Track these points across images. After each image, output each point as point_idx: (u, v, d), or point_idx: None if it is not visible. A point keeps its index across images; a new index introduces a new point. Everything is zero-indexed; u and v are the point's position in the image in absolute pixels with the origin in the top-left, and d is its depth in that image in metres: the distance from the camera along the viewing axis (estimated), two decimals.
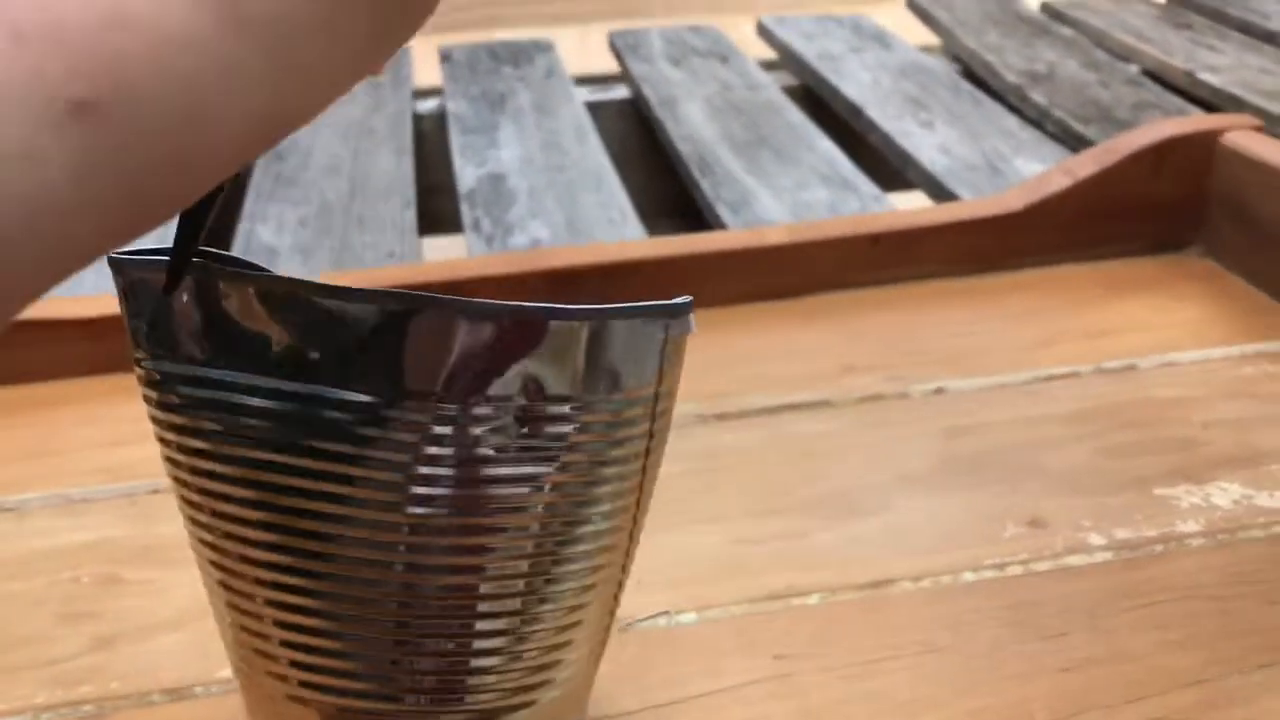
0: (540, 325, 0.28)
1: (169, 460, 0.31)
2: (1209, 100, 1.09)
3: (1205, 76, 1.12)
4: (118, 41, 0.17)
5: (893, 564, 0.46)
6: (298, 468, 0.28)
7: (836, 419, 0.56)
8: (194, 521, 0.31)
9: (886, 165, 1.03)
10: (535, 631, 0.31)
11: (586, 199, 0.91)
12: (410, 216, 0.89)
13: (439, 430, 0.28)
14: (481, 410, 0.28)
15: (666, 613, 0.43)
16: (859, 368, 0.60)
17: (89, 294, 0.63)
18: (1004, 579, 0.45)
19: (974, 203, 0.68)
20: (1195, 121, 0.70)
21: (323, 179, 0.96)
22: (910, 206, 0.96)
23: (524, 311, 0.28)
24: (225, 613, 0.32)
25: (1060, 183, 0.68)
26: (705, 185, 0.92)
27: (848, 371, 0.59)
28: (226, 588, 0.31)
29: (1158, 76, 1.17)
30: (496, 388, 0.28)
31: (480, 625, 0.30)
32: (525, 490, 0.29)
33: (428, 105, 1.17)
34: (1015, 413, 0.56)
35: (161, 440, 0.30)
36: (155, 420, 0.30)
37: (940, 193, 0.91)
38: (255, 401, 0.28)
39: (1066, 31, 1.30)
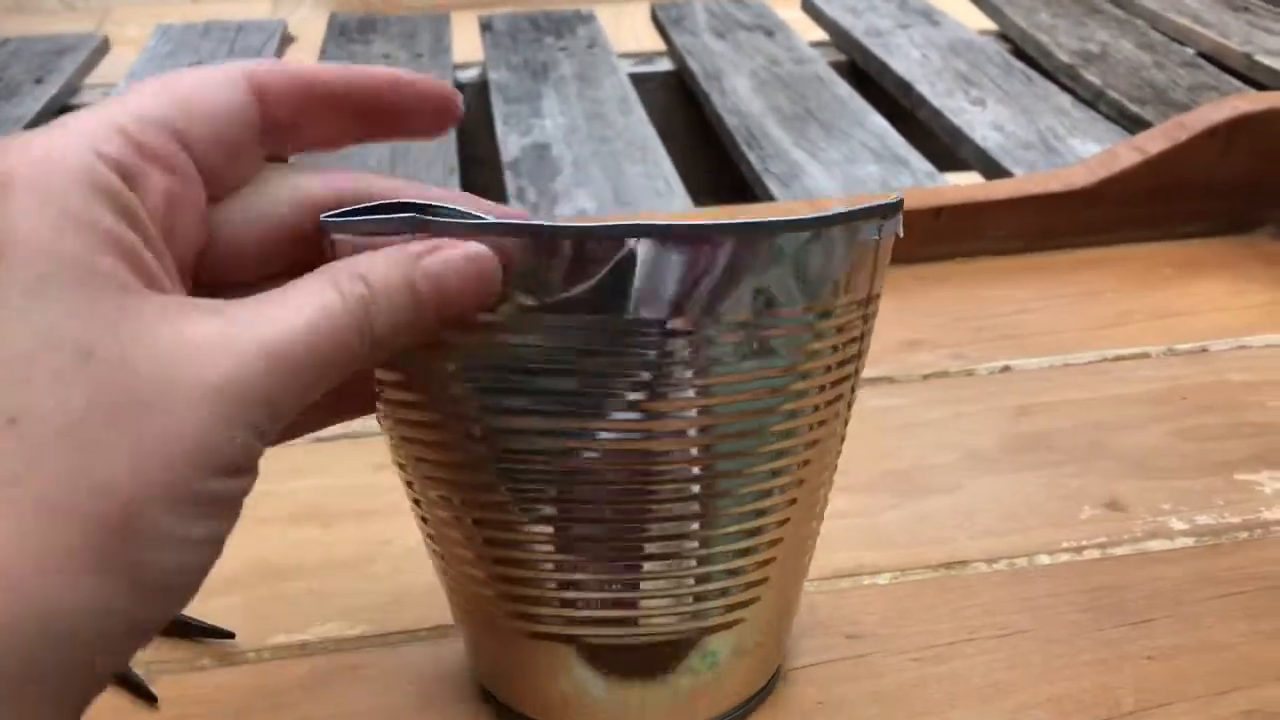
0: (767, 239, 0.28)
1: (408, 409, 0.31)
2: (1267, 83, 1.06)
3: (1264, 59, 1.09)
4: None
5: (965, 544, 0.44)
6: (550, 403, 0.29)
7: (901, 395, 0.54)
8: (435, 475, 0.32)
9: (936, 143, 1.01)
10: (756, 545, 0.32)
11: (632, 170, 0.89)
12: (454, 184, 0.88)
13: (682, 352, 0.28)
14: (717, 329, 0.28)
15: None
16: (923, 344, 0.58)
17: None
18: (1082, 562, 0.43)
19: (1040, 177, 0.66)
20: (1268, 98, 0.67)
21: (363, 147, 0.94)
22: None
23: (751, 227, 0.28)
24: (458, 560, 0.33)
25: (1130, 159, 0.65)
26: (753, 158, 0.91)
27: (912, 348, 0.58)
28: (471, 531, 0.32)
29: (1215, 59, 1.14)
30: (729, 306, 0.28)
31: (713, 539, 0.31)
32: (766, 404, 0.30)
33: (469, 73, 1.15)
34: (1085, 393, 0.54)
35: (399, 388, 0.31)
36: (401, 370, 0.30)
37: (995, 170, 0.89)
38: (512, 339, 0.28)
39: (1120, 13, 1.27)
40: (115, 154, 0.24)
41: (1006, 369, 0.56)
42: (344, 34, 1.22)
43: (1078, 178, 0.66)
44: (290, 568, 0.44)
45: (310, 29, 1.30)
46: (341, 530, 0.45)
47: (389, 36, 1.22)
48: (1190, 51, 1.16)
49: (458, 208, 0.29)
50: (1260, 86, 1.06)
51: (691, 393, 0.29)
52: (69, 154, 0.23)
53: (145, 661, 0.39)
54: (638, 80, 1.12)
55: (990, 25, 1.30)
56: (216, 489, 0.23)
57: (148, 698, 0.38)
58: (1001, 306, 0.61)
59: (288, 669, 0.39)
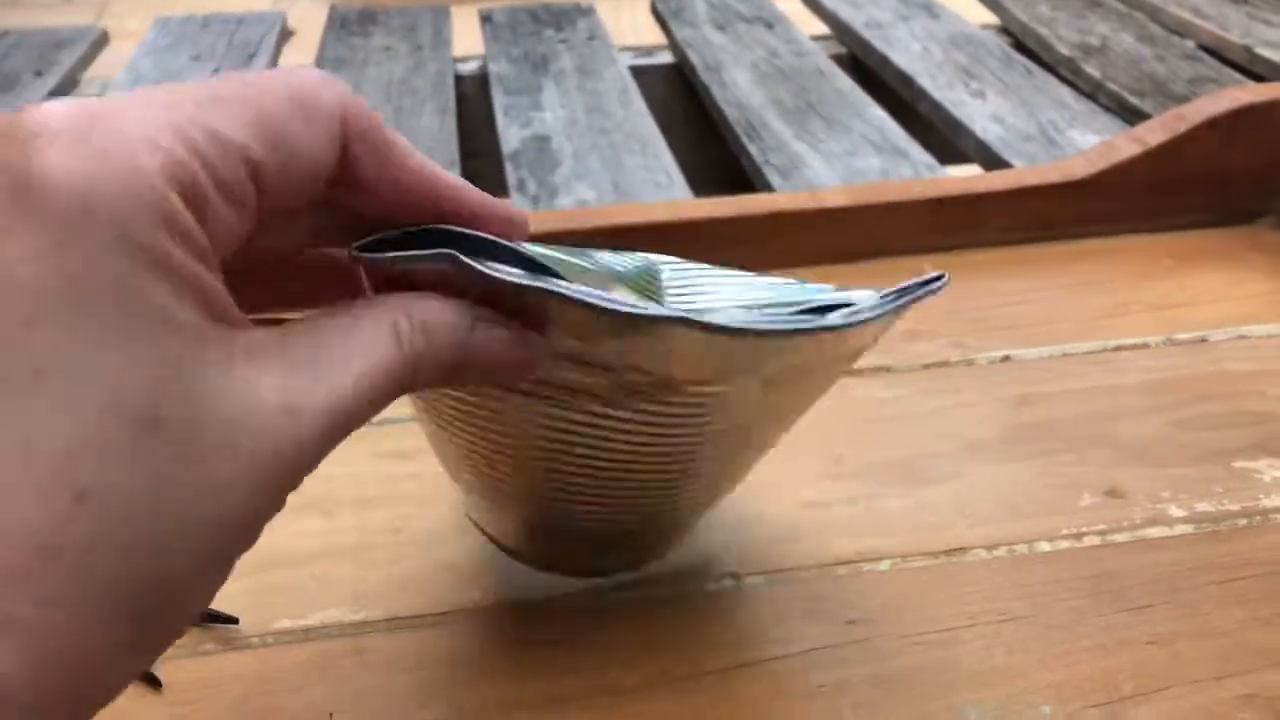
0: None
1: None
2: (1268, 76, 1.07)
3: (1264, 52, 1.09)
4: None
5: (965, 532, 0.44)
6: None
7: (901, 385, 0.54)
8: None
9: (937, 136, 1.01)
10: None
11: (632, 162, 0.89)
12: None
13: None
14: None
15: (735, 575, 0.42)
16: (922, 333, 0.58)
17: None
18: (1082, 549, 0.43)
19: (1040, 168, 0.66)
20: (1268, 89, 0.67)
21: None
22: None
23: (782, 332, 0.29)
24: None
25: (1130, 150, 0.66)
26: (753, 150, 0.91)
27: (911, 337, 0.58)
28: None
29: (1215, 51, 1.14)
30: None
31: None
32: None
33: (469, 66, 1.15)
34: (1085, 382, 0.54)
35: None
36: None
37: (995, 162, 0.89)
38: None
39: (1120, 6, 1.27)
40: (189, 180, 0.22)
41: (1006, 359, 0.56)
42: (344, 26, 1.22)
43: (1077, 169, 0.66)
44: (293, 554, 0.44)
45: (310, 21, 1.30)
46: (344, 518, 0.46)
47: (389, 29, 1.22)
48: (1190, 44, 1.16)
49: (496, 240, 0.28)
50: (1260, 79, 1.06)
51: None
52: (143, 174, 0.21)
53: None
54: (638, 73, 1.12)
55: (991, 18, 1.30)
56: (242, 553, 0.24)
57: (152, 682, 0.38)
58: (1001, 297, 0.61)
59: (291, 654, 0.39)
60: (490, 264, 0.26)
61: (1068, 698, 0.37)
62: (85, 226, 0.20)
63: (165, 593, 0.21)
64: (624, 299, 0.27)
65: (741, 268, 0.62)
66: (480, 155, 1.03)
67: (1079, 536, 0.44)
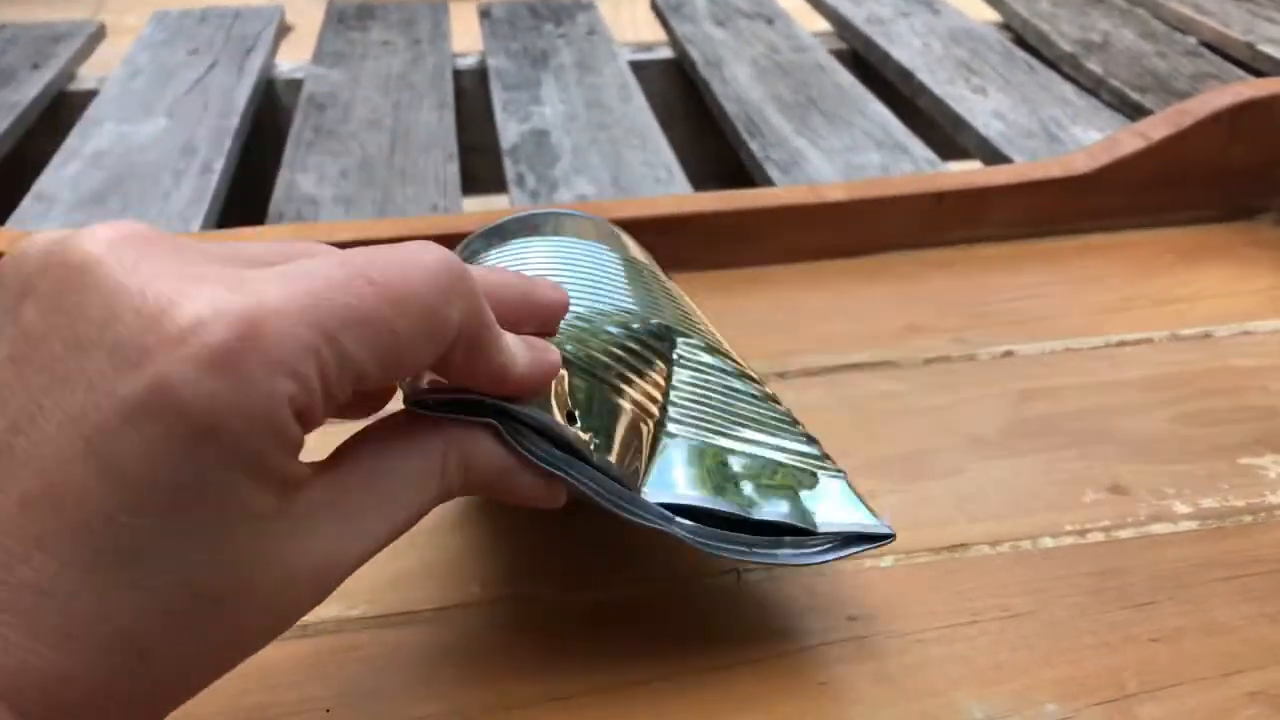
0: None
1: None
2: (1270, 72, 1.06)
3: (1266, 48, 1.09)
4: None
5: (967, 528, 0.44)
6: None
7: (902, 380, 0.54)
8: None
9: (938, 132, 1.00)
10: None
11: (632, 157, 0.89)
12: (453, 170, 0.87)
13: None
14: None
15: (736, 570, 0.42)
16: (924, 329, 0.58)
17: None
18: (1085, 545, 0.43)
19: (1042, 163, 0.66)
20: (1272, 84, 0.67)
21: (363, 131, 0.94)
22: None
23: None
24: None
25: (1132, 145, 0.65)
26: (754, 146, 0.90)
27: (912, 332, 0.57)
28: None
29: (1216, 48, 1.14)
30: None
31: None
32: None
33: (468, 61, 1.15)
34: (1088, 378, 0.54)
35: None
36: None
37: (996, 158, 0.89)
38: None
39: (1121, 2, 1.27)
40: (310, 404, 0.24)
41: (1009, 354, 0.56)
42: (342, 21, 1.22)
43: (1080, 164, 0.65)
44: None
45: (308, 16, 1.29)
46: None
47: (388, 24, 1.22)
48: (1192, 40, 1.16)
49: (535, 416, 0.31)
50: (1262, 75, 1.06)
51: None
52: (274, 401, 0.23)
53: None
54: (637, 68, 1.11)
55: (991, 13, 1.30)
56: None
57: None
58: (1003, 292, 0.61)
59: (289, 650, 0.39)
60: (525, 443, 0.30)
61: (1072, 695, 0.36)
62: (206, 446, 0.22)
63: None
64: (626, 498, 0.34)
65: (742, 265, 0.63)
66: (479, 150, 1.03)
67: (1083, 533, 0.44)
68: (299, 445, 0.24)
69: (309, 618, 0.39)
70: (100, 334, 0.22)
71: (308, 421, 0.24)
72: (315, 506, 0.25)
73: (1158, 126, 0.66)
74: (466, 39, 1.22)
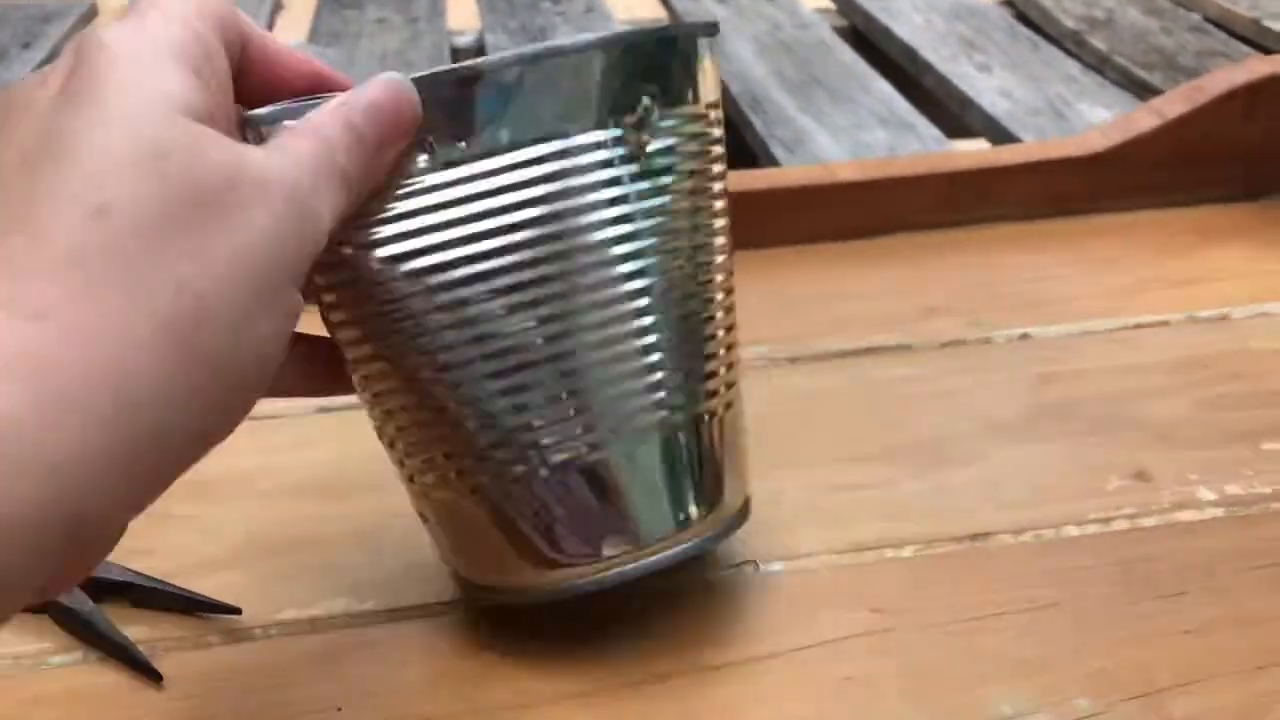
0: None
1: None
2: (1276, 48, 1.05)
3: (1272, 24, 1.07)
4: None
5: (989, 516, 0.43)
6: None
7: (918, 364, 0.53)
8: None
9: (942, 109, 0.99)
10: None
11: None
12: None
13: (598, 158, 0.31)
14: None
15: (753, 562, 0.41)
16: (939, 311, 0.57)
17: None
18: (1110, 534, 0.42)
19: (1056, 142, 0.65)
20: None
21: None
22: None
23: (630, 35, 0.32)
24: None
25: (1148, 123, 0.64)
26: (757, 123, 0.89)
27: (928, 315, 0.56)
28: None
29: (1221, 24, 1.13)
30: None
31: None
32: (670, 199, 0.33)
33: (465, 39, 1.13)
34: (1106, 361, 0.53)
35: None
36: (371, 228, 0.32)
37: (1003, 136, 0.87)
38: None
39: None
40: (199, 42, 0.27)
41: (1025, 336, 0.55)
42: (337, 0, 1.20)
43: (1095, 142, 0.64)
44: (296, 541, 0.42)
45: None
46: (348, 504, 0.44)
47: (382, 2, 1.20)
48: (1197, 16, 1.15)
49: None
50: (1269, 51, 1.05)
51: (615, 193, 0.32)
52: (167, 29, 0.27)
53: (149, 639, 0.38)
54: None
55: None
56: (279, 283, 0.27)
57: (152, 675, 0.36)
58: (1018, 273, 0.60)
59: (297, 645, 0.38)
60: None
61: (1104, 690, 0.35)
62: (106, 60, 0.26)
63: (197, 289, 0.25)
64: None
65: (754, 247, 0.61)
66: None
67: (1107, 520, 0.43)
68: (206, 76, 0.28)
69: (318, 611, 0.39)
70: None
71: (210, 58, 0.28)
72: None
73: (1174, 103, 0.65)
74: (464, 15, 1.20)
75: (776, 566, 0.41)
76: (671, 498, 0.35)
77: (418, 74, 0.30)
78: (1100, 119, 0.87)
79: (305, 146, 0.28)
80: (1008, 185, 0.63)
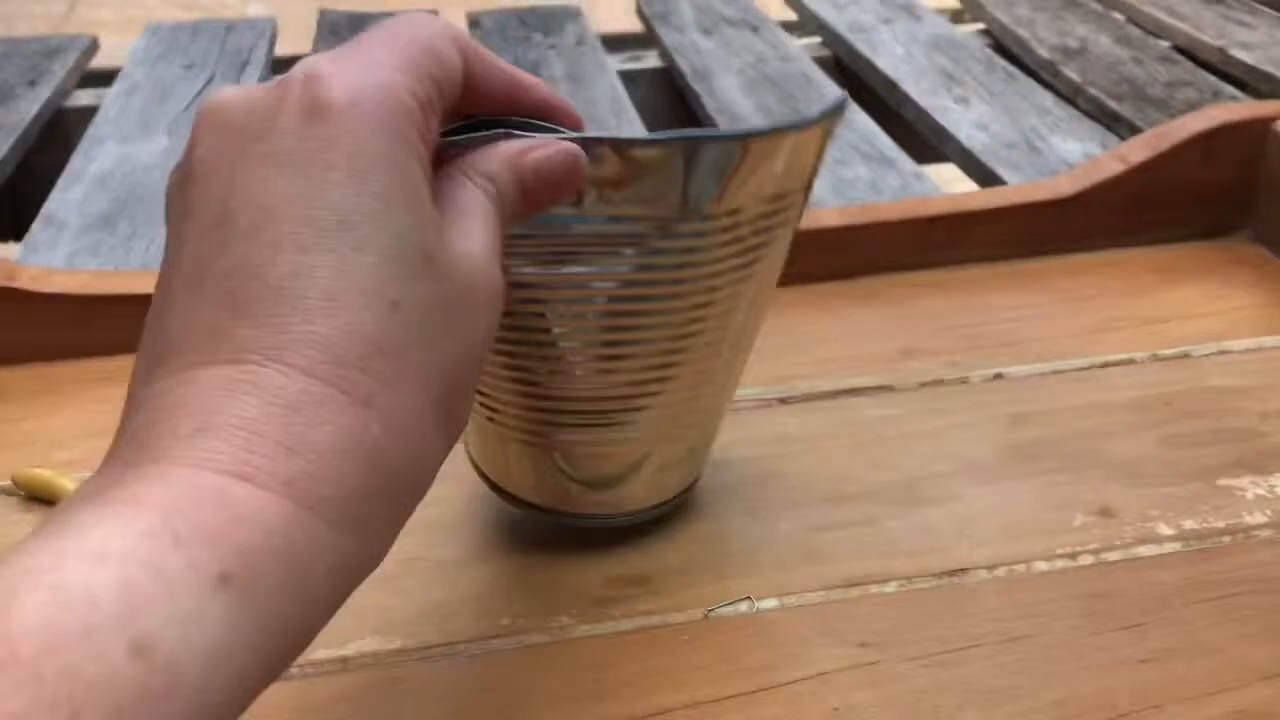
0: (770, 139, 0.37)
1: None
2: (1242, 78, 1.09)
3: (1238, 54, 1.11)
4: (242, 536, 0.24)
5: (966, 553, 0.47)
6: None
7: (898, 404, 0.56)
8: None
9: (918, 139, 1.03)
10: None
11: None
12: None
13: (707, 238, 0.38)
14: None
15: (748, 599, 0.44)
16: (918, 351, 0.60)
17: (154, 268, 0.63)
18: (1076, 569, 0.46)
19: (1027, 186, 0.69)
20: (1247, 108, 0.70)
21: None
22: (942, 179, 0.96)
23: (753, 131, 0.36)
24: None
25: (1113, 168, 0.68)
26: None
27: (907, 355, 0.60)
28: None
29: (1189, 53, 1.17)
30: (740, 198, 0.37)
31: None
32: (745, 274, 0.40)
33: None
34: (1075, 400, 0.56)
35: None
36: None
37: (980, 171, 0.91)
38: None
39: (1097, 6, 1.30)
40: (423, 96, 0.29)
41: (999, 376, 0.58)
42: (334, 32, 1.23)
43: (1064, 186, 0.68)
44: None
45: (299, 25, 1.31)
46: None
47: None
48: (1166, 45, 1.18)
49: (543, 123, 0.35)
50: (1234, 81, 1.09)
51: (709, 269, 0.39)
52: (396, 85, 0.29)
53: None
54: (627, 78, 1.13)
55: (971, 19, 1.32)
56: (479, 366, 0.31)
57: None
58: (992, 314, 0.64)
59: (330, 684, 0.41)
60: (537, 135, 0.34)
61: (1070, 715, 0.39)
62: (356, 117, 0.28)
63: (452, 380, 0.29)
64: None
65: None
66: None
67: (1074, 556, 0.46)
68: (430, 143, 0.30)
69: (348, 651, 0.42)
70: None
71: (427, 119, 0.30)
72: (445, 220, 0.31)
73: (1137, 150, 0.69)
74: None
75: (771, 603, 0.44)
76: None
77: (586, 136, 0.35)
78: (1071, 152, 0.91)
79: (489, 235, 0.31)
80: (983, 227, 0.67)
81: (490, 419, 0.44)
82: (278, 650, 0.25)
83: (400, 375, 0.27)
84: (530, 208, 0.33)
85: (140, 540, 0.23)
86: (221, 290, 0.27)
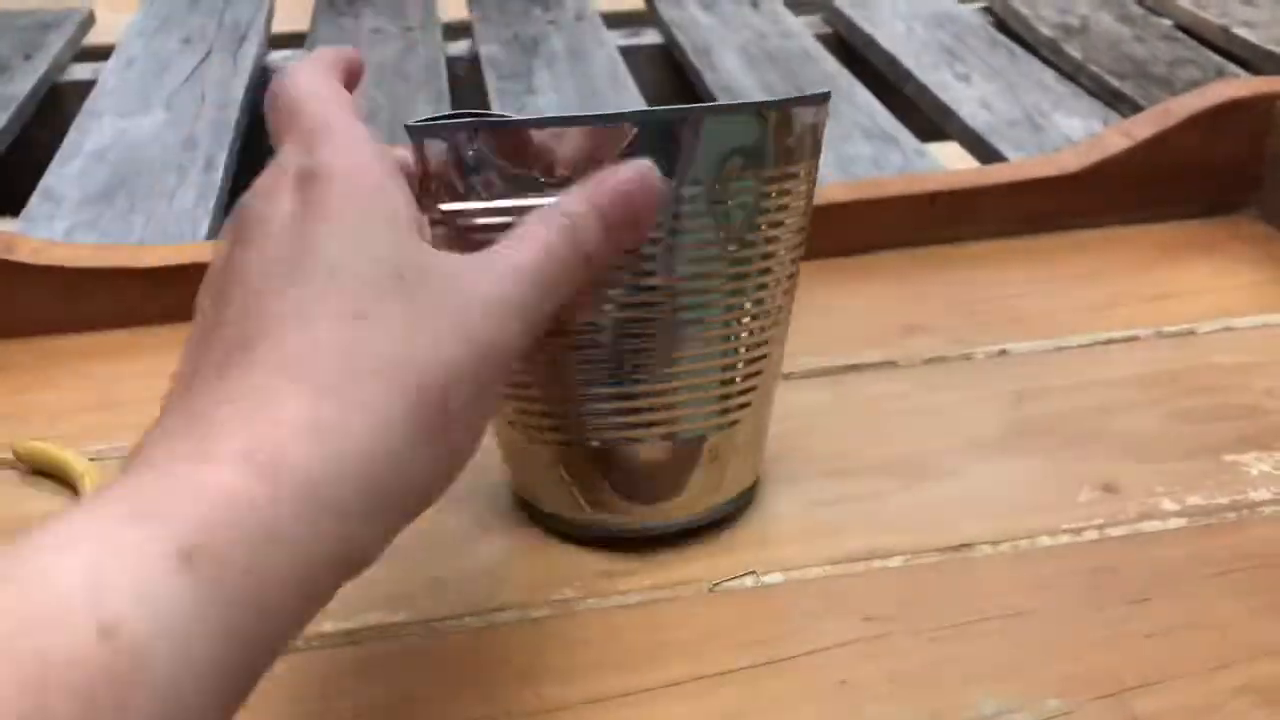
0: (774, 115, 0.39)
1: None
2: (1244, 57, 1.09)
3: (1241, 32, 1.11)
4: (202, 511, 0.25)
5: (970, 527, 0.46)
6: None
7: (902, 380, 0.56)
8: None
9: (922, 115, 1.03)
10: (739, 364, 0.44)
11: None
12: None
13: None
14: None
15: (754, 573, 0.44)
16: (921, 328, 0.60)
17: (153, 243, 0.63)
18: (1081, 544, 0.46)
19: (1031, 162, 0.68)
20: (1253, 84, 0.69)
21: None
22: (945, 156, 0.96)
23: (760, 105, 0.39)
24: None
25: (1118, 144, 0.68)
26: None
27: (910, 332, 0.60)
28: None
29: (1192, 31, 1.16)
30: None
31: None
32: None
33: (459, 48, 1.16)
34: (1079, 376, 0.56)
35: None
36: None
37: (982, 147, 0.91)
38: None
39: None
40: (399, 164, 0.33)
41: (1004, 353, 0.58)
42: (333, 6, 1.22)
43: (1068, 162, 0.68)
44: None
45: (299, 1, 1.30)
46: None
47: (378, 9, 1.23)
48: (1168, 23, 1.18)
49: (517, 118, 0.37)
50: (1236, 59, 1.08)
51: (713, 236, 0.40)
52: (385, 165, 0.32)
53: None
54: (627, 53, 1.13)
55: None
56: (493, 377, 0.31)
57: None
58: (996, 289, 0.63)
59: (338, 657, 0.41)
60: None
61: (1074, 690, 0.39)
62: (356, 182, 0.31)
63: (438, 397, 0.29)
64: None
65: None
66: None
67: (1078, 531, 0.46)
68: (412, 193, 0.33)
69: (355, 624, 0.42)
70: None
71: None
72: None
73: (1142, 125, 0.68)
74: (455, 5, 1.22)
75: (776, 577, 0.44)
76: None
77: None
78: (1074, 129, 0.91)
79: (527, 258, 0.32)
80: (986, 204, 0.67)
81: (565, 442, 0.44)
82: (254, 636, 0.25)
83: (370, 373, 0.28)
84: (613, 233, 0.34)
85: (104, 523, 0.24)
86: (228, 335, 0.30)
